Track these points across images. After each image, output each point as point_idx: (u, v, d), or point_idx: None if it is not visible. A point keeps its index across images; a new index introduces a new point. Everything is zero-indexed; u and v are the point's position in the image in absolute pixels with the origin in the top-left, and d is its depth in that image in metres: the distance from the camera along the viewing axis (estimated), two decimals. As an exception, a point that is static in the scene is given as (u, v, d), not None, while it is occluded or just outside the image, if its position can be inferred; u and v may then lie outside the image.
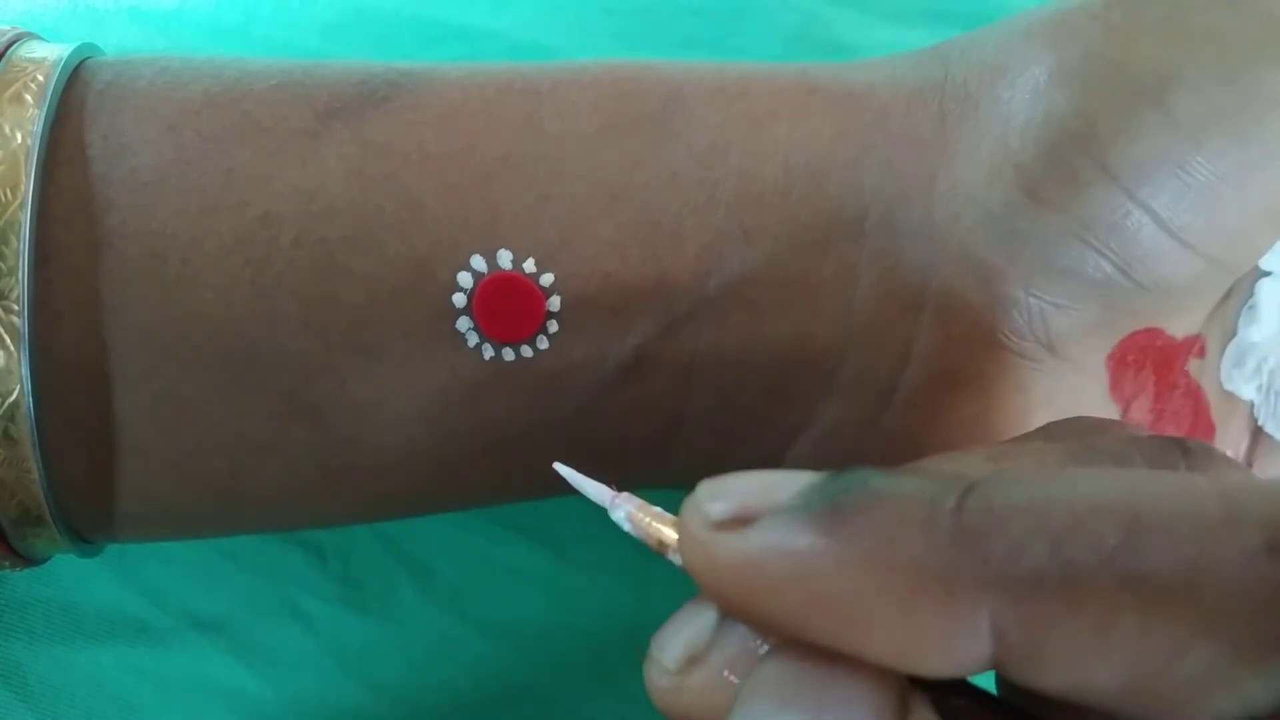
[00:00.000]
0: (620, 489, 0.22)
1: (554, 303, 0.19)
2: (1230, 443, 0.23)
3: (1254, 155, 0.18)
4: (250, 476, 0.20)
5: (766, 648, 0.14)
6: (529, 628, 0.26)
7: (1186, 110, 0.18)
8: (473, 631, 0.26)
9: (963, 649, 0.12)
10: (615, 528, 0.27)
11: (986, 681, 0.14)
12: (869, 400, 0.21)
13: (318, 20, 0.29)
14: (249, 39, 0.29)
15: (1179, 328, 0.22)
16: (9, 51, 0.19)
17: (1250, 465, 0.23)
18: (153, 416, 0.19)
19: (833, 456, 0.21)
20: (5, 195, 0.18)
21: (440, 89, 0.20)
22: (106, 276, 0.18)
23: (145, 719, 0.25)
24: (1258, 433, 0.23)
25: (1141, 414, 0.22)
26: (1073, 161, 0.18)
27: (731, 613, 0.14)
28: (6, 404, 0.18)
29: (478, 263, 0.19)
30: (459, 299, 0.19)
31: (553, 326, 0.20)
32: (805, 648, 0.13)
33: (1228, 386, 0.23)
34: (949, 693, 0.14)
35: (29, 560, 0.21)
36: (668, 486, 0.23)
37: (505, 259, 0.19)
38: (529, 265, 0.19)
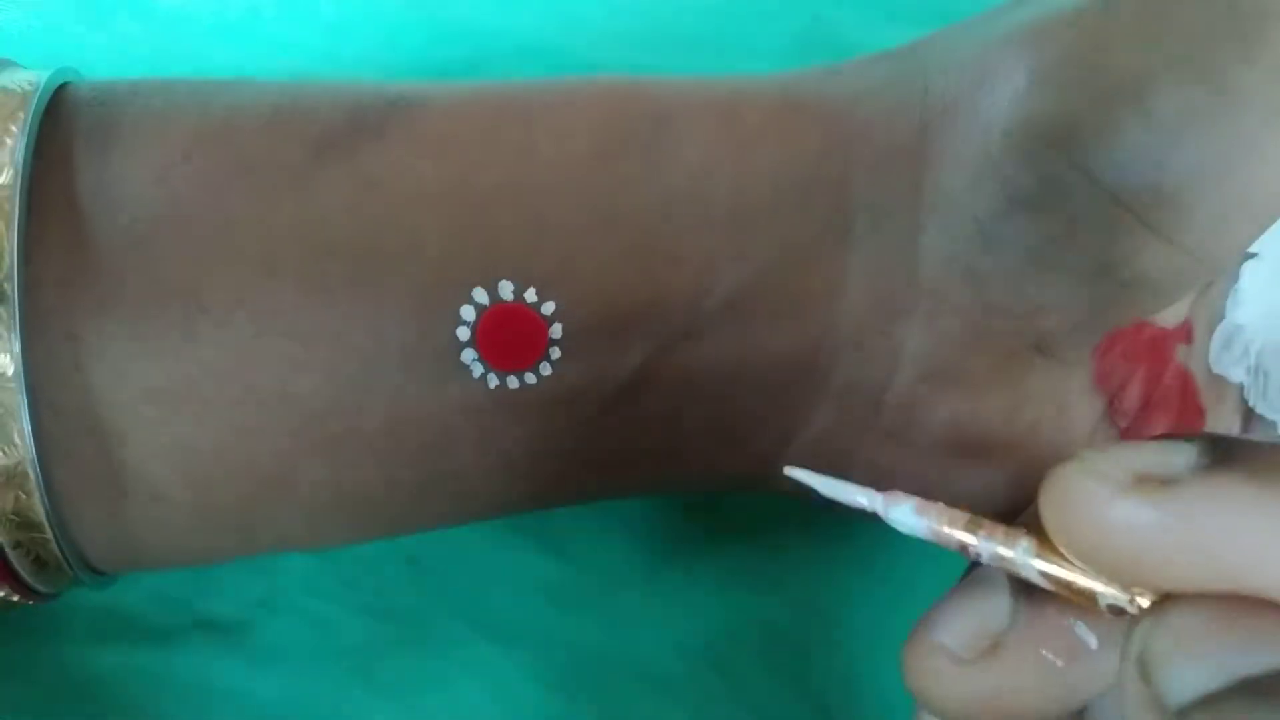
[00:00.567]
0: (626, 500, 0.22)
1: (556, 330, 0.20)
2: (1221, 425, 0.23)
3: (1231, 152, 0.18)
4: (265, 512, 0.20)
5: (1081, 624, 0.15)
6: (536, 632, 0.26)
7: (1164, 110, 0.18)
8: (480, 635, 0.26)
9: None
10: (625, 526, 0.27)
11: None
12: (861, 403, 0.21)
13: (322, 19, 0.28)
14: (253, 38, 0.28)
15: (1165, 318, 0.22)
16: None
17: None
18: (167, 464, 0.19)
19: (825, 458, 0.22)
20: None
21: (433, 117, 0.20)
22: (110, 341, 0.18)
23: (149, 720, 0.26)
24: (1248, 414, 0.23)
25: (1130, 404, 0.22)
26: (1053, 165, 0.19)
27: (1117, 574, 0.15)
28: (15, 473, 0.18)
29: (480, 295, 0.19)
30: (463, 332, 0.19)
31: (555, 353, 0.20)
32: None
33: (1217, 369, 0.23)
34: None
35: (49, 596, 0.21)
36: (667, 495, 0.23)
37: (507, 290, 0.19)
38: (530, 295, 0.19)
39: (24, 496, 0.18)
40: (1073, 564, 0.16)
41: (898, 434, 0.21)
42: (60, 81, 0.20)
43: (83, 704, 0.25)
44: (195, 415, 0.19)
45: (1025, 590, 0.17)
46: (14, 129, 0.18)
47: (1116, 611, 0.16)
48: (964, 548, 0.17)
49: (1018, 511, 0.22)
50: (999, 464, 0.22)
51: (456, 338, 0.19)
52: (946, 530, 0.17)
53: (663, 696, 0.26)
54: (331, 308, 0.19)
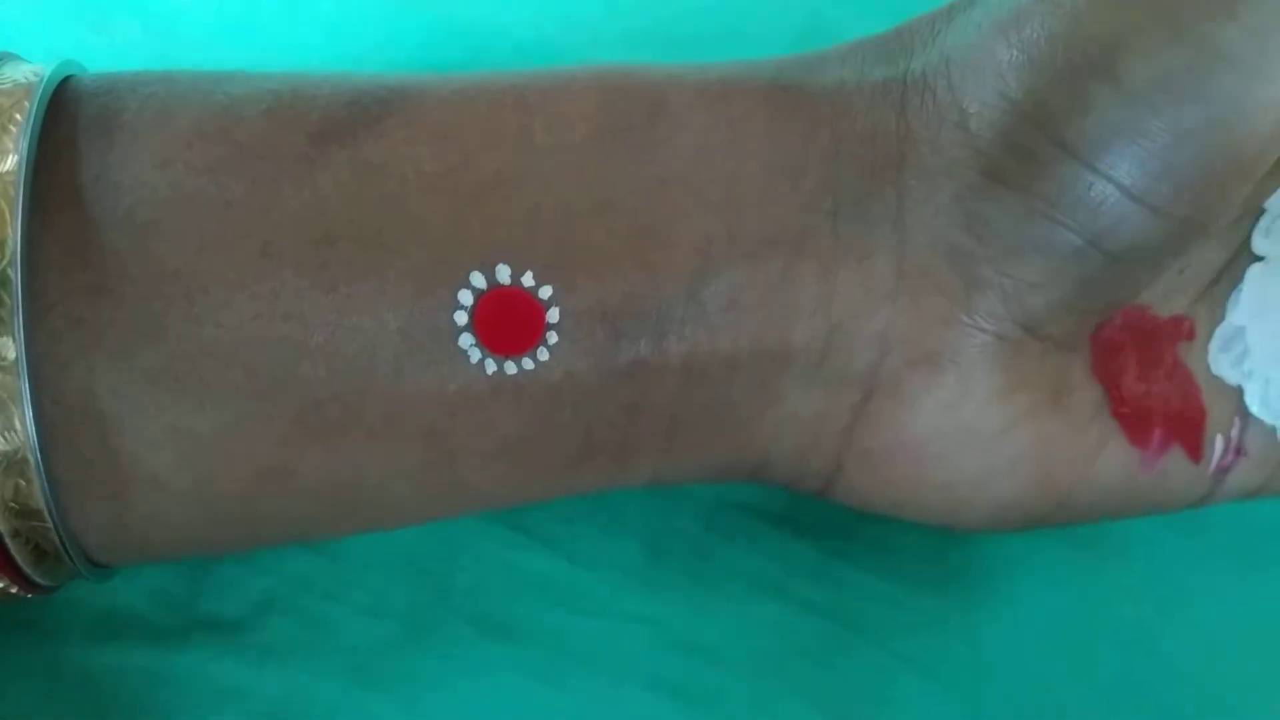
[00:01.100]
0: (620, 489, 0.22)
1: (553, 314, 0.20)
2: (1220, 427, 0.23)
3: (1213, 112, 0.18)
4: (266, 500, 0.20)
5: None
6: (536, 632, 0.26)
7: (1137, 77, 0.18)
8: (480, 635, 0.26)
9: None
10: (626, 526, 0.27)
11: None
12: (852, 388, 0.21)
13: (321, 18, 0.29)
14: (252, 36, 0.28)
15: (1166, 306, 0.22)
16: None
17: (1242, 451, 0.23)
18: (167, 451, 0.19)
19: (818, 443, 0.22)
20: None
21: (432, 106, 0.20)
22: (110, 323, 0.18)
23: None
24: (1247, 418, 0.23)
25: (1128, 393, 0.22)
26: (1030, 141, 0.19)
27: None
28: (15, 460, 0.18)
29: (477, 279, 0.19)
30: (460, 316, 0.19)
31: (552, 338, 0.20)
32: None
33: (1215, 371, 0.23)
34: None
35: (49, 589, 0.21)
36: (664, 484, 0.23)
37: (504, 274, 0.19)
38: (528, 279, 0.19)
39: (24, 484, 0.18)
40: None
41: (889, 420, 0.21)
42: (65, 74, 0.20)
43: (82, 703, 0.25)
44: (195, 400, 0.19)
45: None
46: (19, 117, 0.18)
47: None
48: None
49: (1013, 503, 0.22)
50: (993, 449, 0.21)
51: (454, 322, 0.19)
52: None
53: (663, 696, 0.26)
54: (331, 292, 0.19)
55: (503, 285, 0.19)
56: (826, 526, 0.27)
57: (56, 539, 0.19)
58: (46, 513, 0.19)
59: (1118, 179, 0.18)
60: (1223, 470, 0.23)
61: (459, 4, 0.29)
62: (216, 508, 0.20)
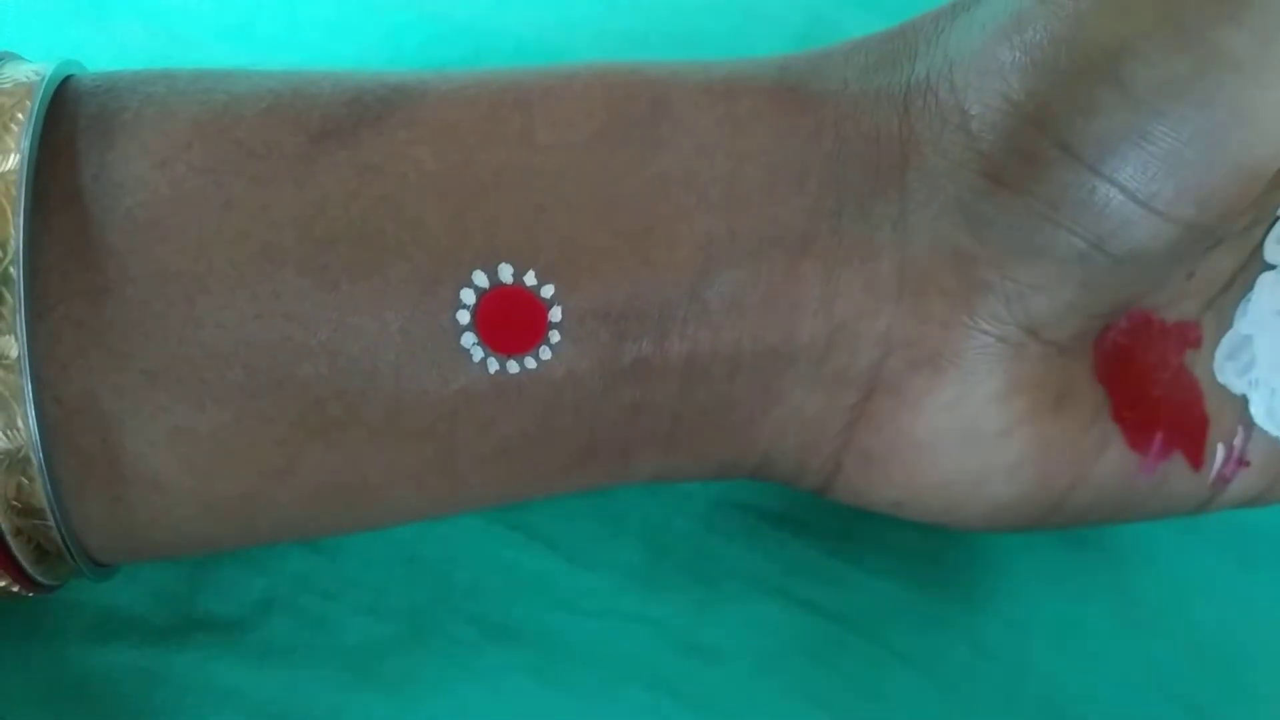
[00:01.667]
0: (620, 485, 0.22)
1: (555, 313, 0.20)
2: (1224, 436, 0.23)
3: (1219, 117, 0.18)
4: (267, 499, 0.20)
5: None
6: (536, 632, 0.26)
7: (1142, 81, 0.18)
8: (480, 634, 0.26)
9: None
10: (626, 526, 0.27)
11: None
12: (853, 388, 0.21)
13: (321, 18, 0.29)
14: (252, 36, 0.28)
15: (1173, 312, 0.22)
16: None
17: (1245, 461, 0.23)
18: (168, 450, 0.19)
19: (819, 442, 0.22)
20: None
21: (433, 104, 0.20)
22: (111, 323, 0.18)
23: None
24: (1251, 427, 0.23)
25: (1130, 398, 0.22)
26: (1032, 144, 0.19)
27: None
28: (17, 458, 0.18)
29: (480, 278, 0.19)
30: (463, 316, 0.19)
31: (555, 337, 0.20)
32: None
33: (1220, 379, 0.23)
34: None
35: (49, 587, 0.21)
36: (665, 481, 0.23)
37: (507, 273, 0.19)
38: (530, 278, 0.19)
39: (26, 482, 0.18)
40: None
41: (891, 421, 0.21)
42: (65, 73, 0.20)
43: (82, 703, 0.25)
44: (195, 399, 0.19)
45: None
46: (20, 116, 0.18)
47: None
48: None
49: (1011, 504, 0.22)
50: (993, 451, 0.21)
51: (457, 321, 0.19)
52: None
53: (663, 696, 0.26)
54: (332, 291, 0.19)
55: (505, 284, 0.19)
56: (826, 526, 0.27)
57: (58, 537, 0.19)
58: (48, 511, 0.19)
59: (1121, 182, 0.18)
60: (1224, 479, 0.23)
61: (459, 3, 0.29)
62: (217, 506, 0.20)
